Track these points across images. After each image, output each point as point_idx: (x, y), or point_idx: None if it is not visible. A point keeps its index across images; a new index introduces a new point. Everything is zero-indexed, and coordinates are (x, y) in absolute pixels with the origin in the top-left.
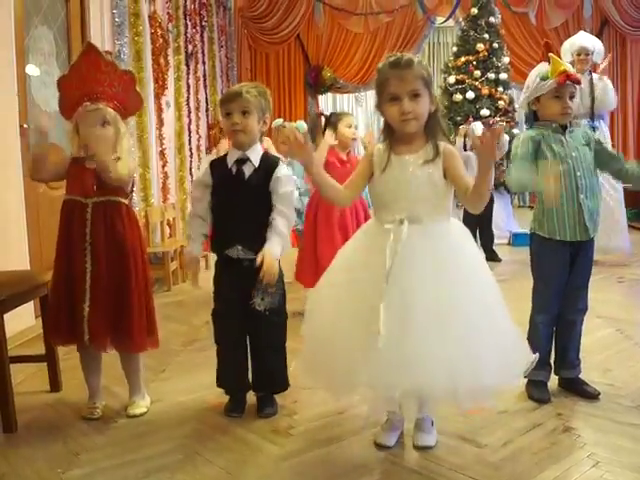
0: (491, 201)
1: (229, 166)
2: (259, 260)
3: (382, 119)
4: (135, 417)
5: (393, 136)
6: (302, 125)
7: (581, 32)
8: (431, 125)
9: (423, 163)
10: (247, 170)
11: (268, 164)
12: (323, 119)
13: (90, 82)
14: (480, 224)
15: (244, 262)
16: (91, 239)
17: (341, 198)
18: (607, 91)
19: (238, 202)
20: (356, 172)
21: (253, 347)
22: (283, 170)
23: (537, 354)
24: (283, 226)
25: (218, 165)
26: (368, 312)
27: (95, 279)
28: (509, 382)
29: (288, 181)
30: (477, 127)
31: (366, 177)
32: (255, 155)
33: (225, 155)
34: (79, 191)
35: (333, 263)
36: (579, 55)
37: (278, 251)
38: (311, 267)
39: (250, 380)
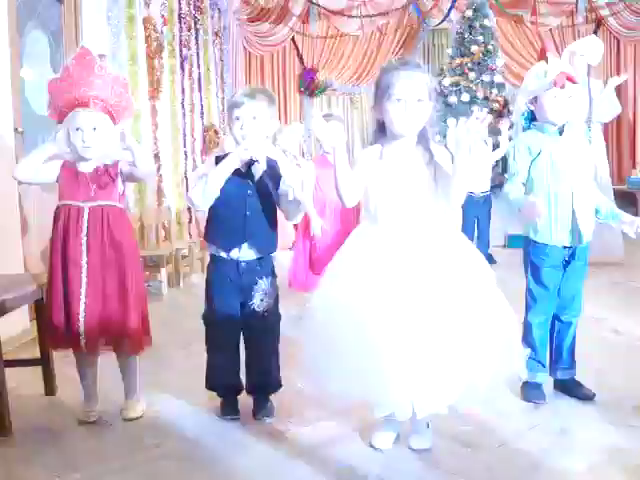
0: (489, 204)
1: (239, 166)
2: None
3: (374, 120)
4: (131, 421)
5: (384, 138)
6: (296, 127)
7: (588, 37)
8: (423, 130)
9: (421, 165)
10: (256, 172)
11: (273, 165)
12: None
13: (83, 86)
14: (478, 225)
15: (242, 263)
16: (87, 243)
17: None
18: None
19: (247, 203)
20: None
21: (250, 349)
22: (287, 167)
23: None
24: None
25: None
26: (381, 319)
27: (92, 283)
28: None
29: (295, 176)
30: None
31: (363, 179)
32: (262, 157)
33: (227, 153)
34: (76, 196)
35: (333, 270)
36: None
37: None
38: (304, 269)
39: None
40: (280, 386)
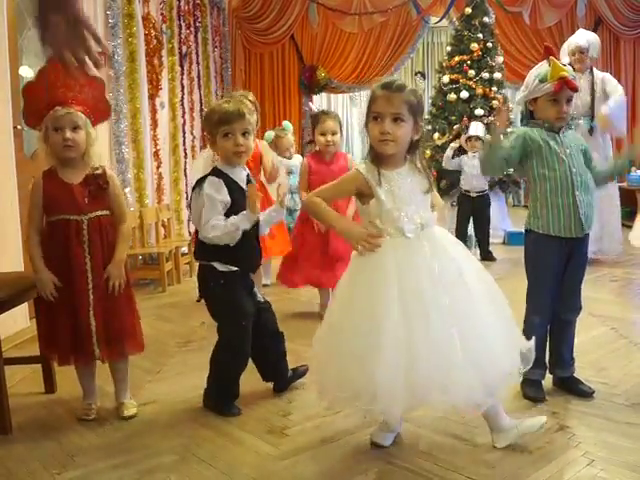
0: (488, 203)
1: (242, 186)
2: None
3: (368, 139)
4: (131, 418)
5: (377, 156)
6: (288, 125)
7: (579, 30)
8: (412, 152)
9: (418, 177)
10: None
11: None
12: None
13: (60, 88)
14: (475, 224)
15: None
16: (90, 255)
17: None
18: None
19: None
20: (339, 189)
21: (271, 336)
22: None
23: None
24: None
25: (230, 185)
26: (428, 317)
27: (98, 293)
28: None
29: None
30: (477, 127)
31: (350, 192)
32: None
33: (222, 173)
34: (70, 209)
35: (351, 276)
36: (574, 55)
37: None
38: (292, 266)
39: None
40: None
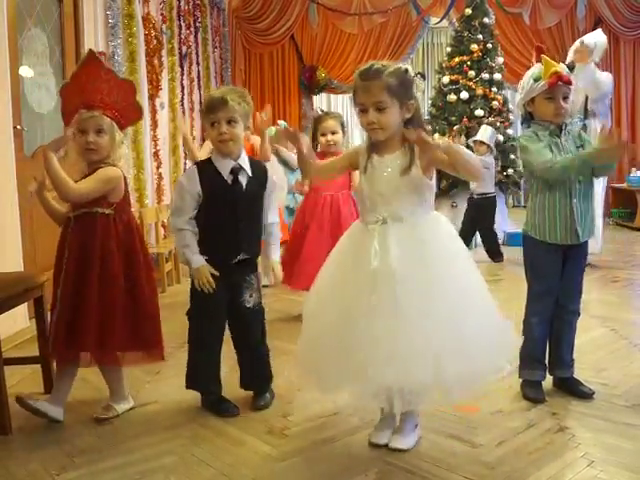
0: (493, 205)
1: (224, 177)
2: (272, 278)
3: None
4: (99, 421)
5: (373, 142)
6: (283, 123)
7: (597, 30)
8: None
9: (401, 163)
10: (243, 180)
11: (259, 170)
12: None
13: (89, 90)
14: (481, 226)
15: (232, 263)
16: (68, 253)
17: (314, 171)
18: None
19: (239, 213)
20: (337, 159)
21: (245, 344)
22: (270, 174)
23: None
24: (278, 232)
25: (208, 175)
26: (357, 311)
27: (63, 292)
28: (495, 368)
29: (275, 185)
30: (485, 132)
31: (343, 167)
32: (246, 163)
33: (210, 163)
34: (69, 205)
35: (324, 267)
36: (577, 51)
37: (278, 256)
38: (292, 268)
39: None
40: (272, 375)
